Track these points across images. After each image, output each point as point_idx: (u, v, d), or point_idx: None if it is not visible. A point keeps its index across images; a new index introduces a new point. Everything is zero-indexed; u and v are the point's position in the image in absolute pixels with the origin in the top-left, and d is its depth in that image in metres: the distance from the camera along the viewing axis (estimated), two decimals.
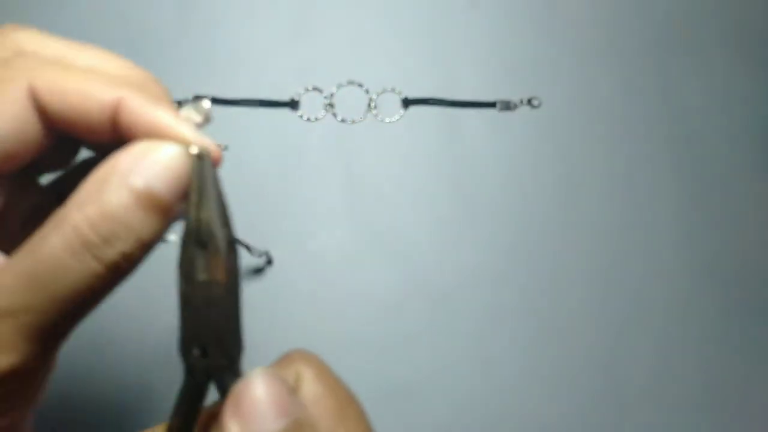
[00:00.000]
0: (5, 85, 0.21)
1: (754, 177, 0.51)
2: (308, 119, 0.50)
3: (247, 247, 0.43)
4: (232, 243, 0.22)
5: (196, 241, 0.21)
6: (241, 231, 0.29)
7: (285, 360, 0.23)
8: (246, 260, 0.46)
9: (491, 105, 0.51)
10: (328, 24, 0.52)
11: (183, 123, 0.21)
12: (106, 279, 0.19)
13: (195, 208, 0.21)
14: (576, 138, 0.51)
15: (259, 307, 0.46)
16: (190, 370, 0.21)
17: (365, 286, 0.47)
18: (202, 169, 0.21)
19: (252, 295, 0.46)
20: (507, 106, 0.50)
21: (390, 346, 0.46)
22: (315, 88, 0.51)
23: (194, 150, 0.21)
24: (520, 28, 0.52)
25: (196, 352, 0.21)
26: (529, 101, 0.51)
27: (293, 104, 0.50)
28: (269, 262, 0.46)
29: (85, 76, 0.21)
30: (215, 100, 0.50)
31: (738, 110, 0.52)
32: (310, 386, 0.22)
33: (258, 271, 0.47)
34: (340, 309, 0.47)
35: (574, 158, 0.50)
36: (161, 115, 0.21)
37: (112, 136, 0.22)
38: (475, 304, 0.47)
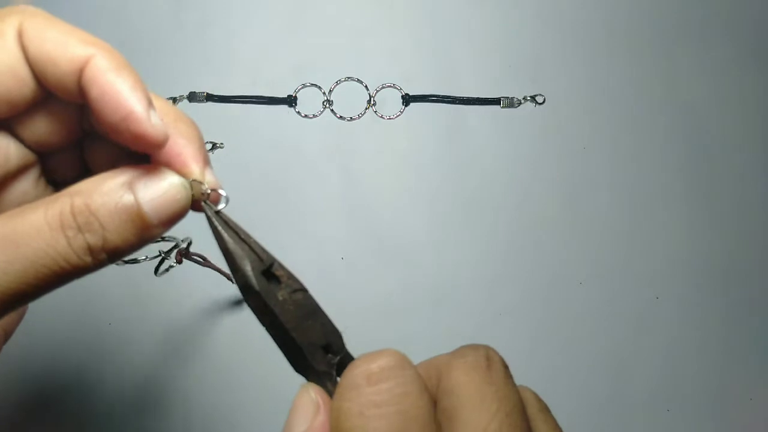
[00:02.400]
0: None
1: (764, 173, 0.50)
2: (306, 116, 0.49)
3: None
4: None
5: (259, 275, 0.22)
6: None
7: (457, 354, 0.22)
8: None
9: (494, 102, 0.50)
10: (326, 18, 0.51)
11: (137, 96, 0.21)
12: (70, 261, 0.21)
13: (240, 249, 0.23)
14: (581, 135, 0.50)
15: None
16: (319, 374, 0.22)
17: (365, 286, 0.47)
18: (215, 215, 0.23)
19: None
20: (510, 102, 0.50)
21: (390, 345, 0.45)
22: (313, 84, 0.50)
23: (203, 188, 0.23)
24: (523, 23, 0.51)
25: (320, 354, 0.23)
26: (533, 98, 0.50)
27: (291, 100, 0.49)
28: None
29: (65, 29, 0.22)
30: (211, 97, 0.48)
31: (746, 105, 0.51)
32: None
33: None
34: (338, 308, 0.46)
35: (579, 156, 0.49)
36: (118, 81, 0.21)
37: (78, 96, 0.22)
38: (475, 304, 0.47)
